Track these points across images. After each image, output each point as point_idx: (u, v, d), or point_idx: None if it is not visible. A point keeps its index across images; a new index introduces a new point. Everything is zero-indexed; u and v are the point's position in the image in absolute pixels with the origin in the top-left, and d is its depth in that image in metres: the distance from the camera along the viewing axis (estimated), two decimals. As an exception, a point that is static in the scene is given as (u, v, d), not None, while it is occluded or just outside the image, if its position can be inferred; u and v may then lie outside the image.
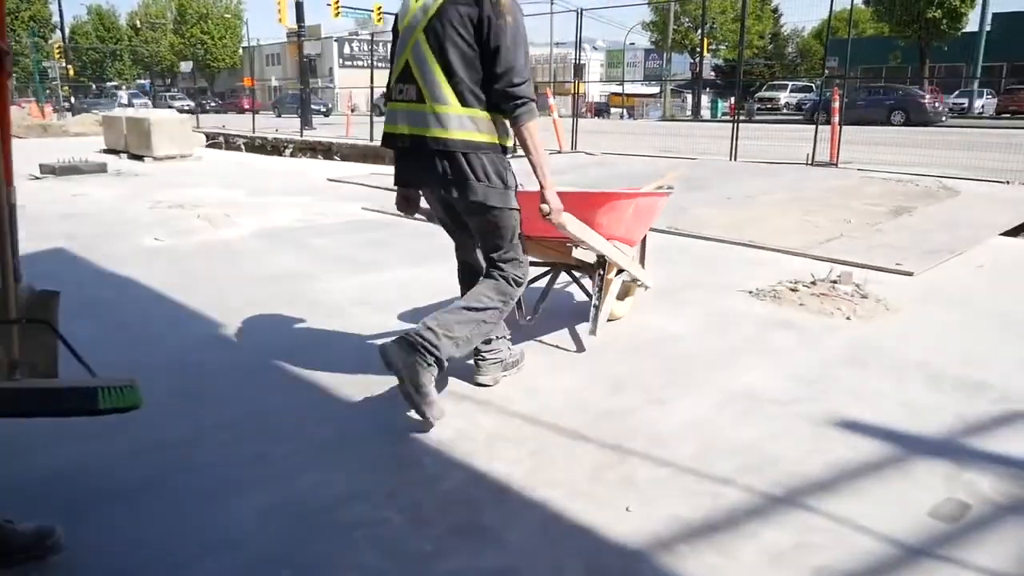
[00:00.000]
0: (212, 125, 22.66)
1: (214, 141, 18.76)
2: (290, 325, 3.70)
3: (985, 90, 33.31)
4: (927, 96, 24.26)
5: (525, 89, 2.45)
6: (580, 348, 3.42)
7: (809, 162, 11.14)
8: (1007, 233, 6.43)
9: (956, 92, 32.11)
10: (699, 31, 37.03)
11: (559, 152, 13.30)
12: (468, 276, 2.89)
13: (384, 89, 2.83)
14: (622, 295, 3.86)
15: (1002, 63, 34.17)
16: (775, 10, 45.79)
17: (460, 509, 2.07)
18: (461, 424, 2.58)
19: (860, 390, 2.91)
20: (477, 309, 2.61)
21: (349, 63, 55.17)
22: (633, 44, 52.54)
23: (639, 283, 3.83)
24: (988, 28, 32.92)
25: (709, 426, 2.58)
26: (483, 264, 2.76)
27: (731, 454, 2.37)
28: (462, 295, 2.80)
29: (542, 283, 3.83)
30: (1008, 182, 8.83)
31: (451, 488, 2.18)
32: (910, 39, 32.56)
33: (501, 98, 2.45)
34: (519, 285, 2.73)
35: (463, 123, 2.45)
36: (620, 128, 22.37)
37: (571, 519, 2.00)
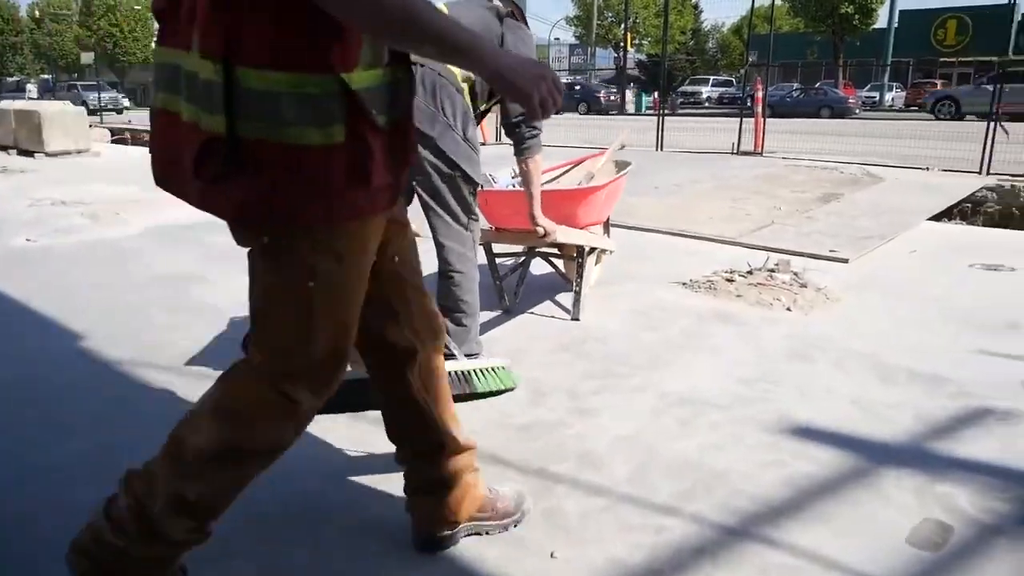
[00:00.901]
0: (121, 121, 21.37)
1: (119, 137, 17.62)
2: (166, 334, 3.19)
3: (894, 84, 34.61)
4: (851, 99, 25.09)
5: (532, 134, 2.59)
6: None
7: (734, 151, 11.09)
8: (933, 218, 6.40)
9: (868, 86, 33.23)
10: (622, 26, 37.27)
11: (484, 144, 12.90)
12: None
13: None
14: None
15: (908, 58, 35.53)
16: (696, 6, 46.52)
17: (340, 561, 1.65)
18: (354, 450, 2.16)
19: (809, 388, 2.63)
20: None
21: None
22: (558, 39, 52.68)
23: (606, 251, 3.80)
24: (896, 24, 34.21)
25: (646, 440, 2.24)
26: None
27: (673, 473, 2.03)
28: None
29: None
30: (927, 168, 8.91)
31: (332, 537, 1.76)
32: (824, 34, 33.49)
33: (510, 128, 2.54)
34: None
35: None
36: (547, 121, 22.12)
37: (485, 574, 1.62)
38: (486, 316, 3.43)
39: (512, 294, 3.54)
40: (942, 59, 33.92)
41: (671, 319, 3.40)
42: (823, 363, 2.88)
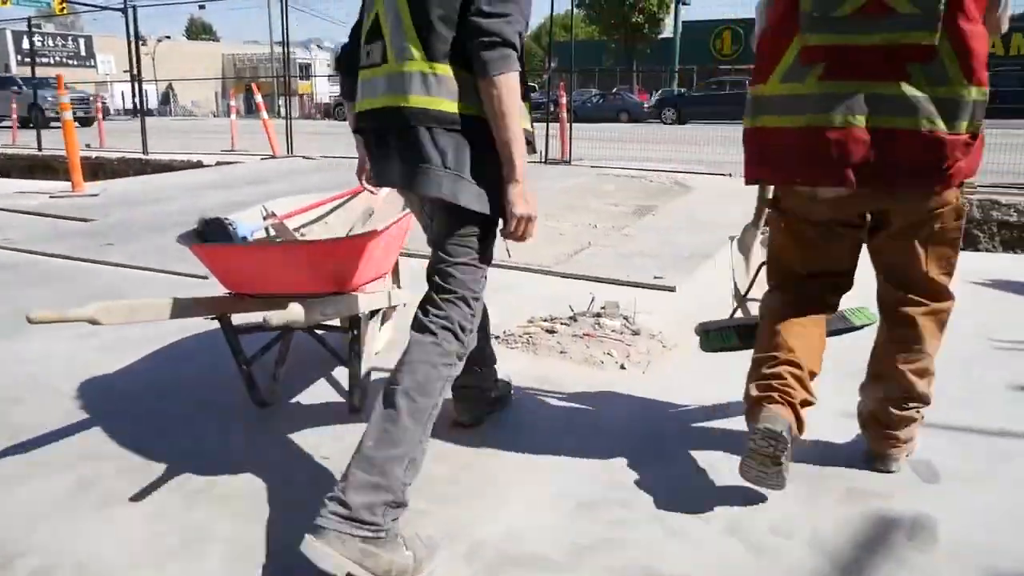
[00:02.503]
0: None
1: None
2: None
3: (682, 89, 36.81)
4: (646, 105, 26.14)
5: (500, 25, 1.65)
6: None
7: (543, 160, 10.67)
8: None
9: (659, 91, 35.03)
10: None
11: (273, 157, 11.60)
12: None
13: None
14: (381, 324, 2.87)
15: (693, 65, 37.98)
16: (495, 12, 46.89)
17: None
18: None
19: (674, 509, 1.93)
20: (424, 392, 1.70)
21: (31, 59, 46.90)
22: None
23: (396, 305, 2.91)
24: (680, 33, 36.40)
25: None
26: (421, 303, 1.87)
27: None
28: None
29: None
30: (730, 175, 8.93)
31: None
32: (618, 42, 34.91)
33: (468, 34, 1.67)
34: (464, 337, 1.82)
35: (429, 86, 1.71)
36: (342, 129, 20.91)
37: None
38: (226, 419, 2.45)
39: (271, 379, 2.59)
40: (721, 67, 36.55)
41: (483, 398, 2.62)
42: (680, 458, 2.21)
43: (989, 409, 2.53)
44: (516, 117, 1.70)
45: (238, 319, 2.42)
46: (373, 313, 2.57)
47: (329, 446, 2.26)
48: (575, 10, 36.34)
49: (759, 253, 2.59)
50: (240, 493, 2.01)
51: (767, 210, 2.24)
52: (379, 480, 1.58)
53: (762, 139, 1.95)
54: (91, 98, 21.96)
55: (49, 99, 18.44)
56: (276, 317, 1.76)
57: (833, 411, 2.51)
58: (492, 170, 1.76)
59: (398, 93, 1.74)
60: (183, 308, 2.23)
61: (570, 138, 10.81)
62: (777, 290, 2.18)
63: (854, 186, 1.80)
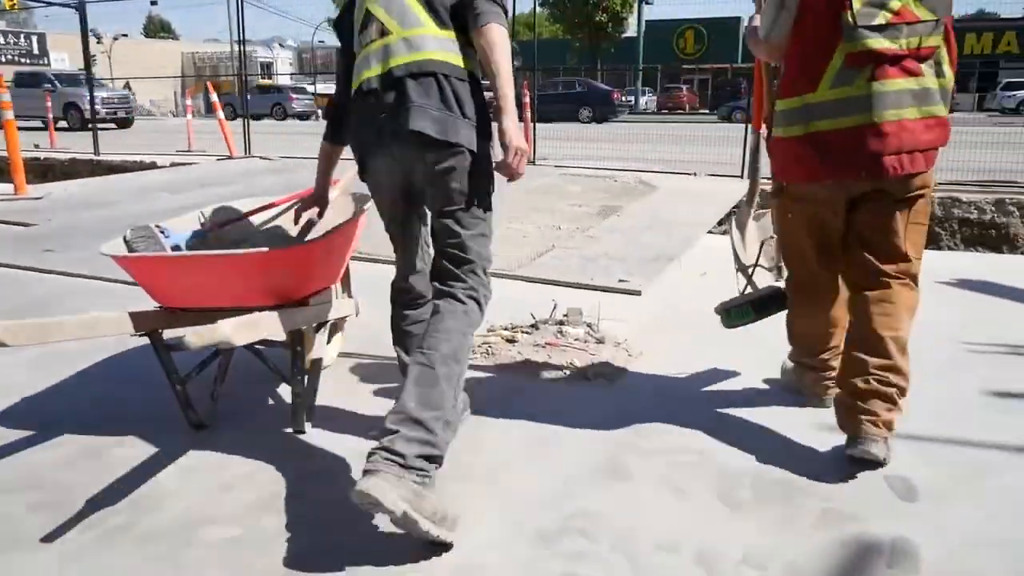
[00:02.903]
0: None
1: None
2: None
3: (647, 89, 36.94)
4: (615, 93, 26.07)
5: None
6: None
7: (507, 160, 10.52)
8: (714, 229, 6.11)
9: (624, 90, 35.11)
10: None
11: (230, 158, 11.28)
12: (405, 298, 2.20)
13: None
14: (328, 337, 2.69)
15: (656, 65, 38.14)
16: (460, 11, 46.61)
17: None
18: None
19: (635, 540, 1.79)
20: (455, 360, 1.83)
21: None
22: (323, 42, 50.36)
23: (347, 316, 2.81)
24: (643, 32, 36.54)
25: None
26: (437, 276, 2.01)
27: None
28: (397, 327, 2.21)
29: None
30: (695, 174, 8.87)
31: None
32: (582, 41, 34.90)
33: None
34: (485, 308, 2.01)
35: (443, 44, 1.93)
36: (303, 129, 20.44)
37: None
38: (152, 439, 2.26)
39: (210, 398, 2.40)
40: (684, 66, 36.77)
41: (438, 414, 2.45)
42: (644, 478, 2.08)
43: (965, 418, 2.44)
44: (508, 61, 1.87)
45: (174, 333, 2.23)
46: (320, 326, 2.40)
47: (269, 474, 2.09)
48: (539, 9, 36.28)
49: (753, 227, 2.76)
50: (164, 532, 1.82)
51: (767, 197, 2.46)
52: (425, 436, 1.70)
53: (819, 142, 2.10)
54: (132, 96, 20.70)
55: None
56: (196, 337, 1.58)
57: (806, 422, 2.40)
58: (486, 123, 1.97)
59: (413, 51, 1.90)
60: (105, 325, 2.05)
61: (534, 137, 10.67)
62: (804, 297, 2.39)
63: (900, 172, 2.05)
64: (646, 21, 36.92)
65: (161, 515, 1.89)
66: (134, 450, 2.21)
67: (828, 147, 2.08)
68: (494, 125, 1.93)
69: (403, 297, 2.23)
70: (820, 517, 1.87)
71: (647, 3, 34.48)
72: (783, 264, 2.52)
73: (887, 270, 2.15)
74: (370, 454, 1.65)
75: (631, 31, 35.85)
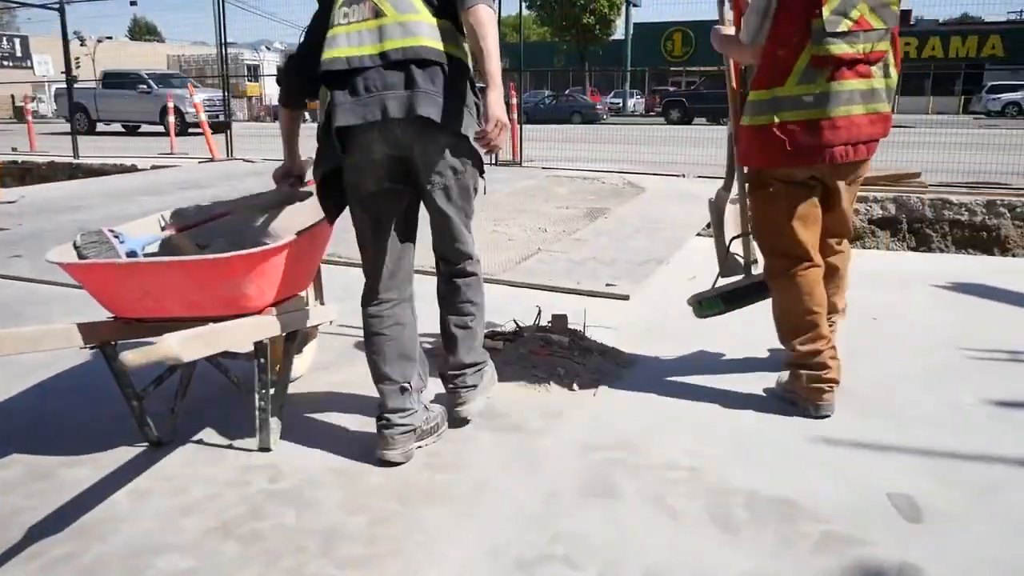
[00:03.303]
0: None
1: None
2: None
3: (635, 91, 36.94)
4: (598, 105, 26.09)
5: None
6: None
7: (493, 162, 10.40)
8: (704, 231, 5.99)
9: (612, 93, 35.10)
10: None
11: (212, 161, 11.09)
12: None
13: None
14: (299, 348, 2.51)
15: (644, 67, 38.13)
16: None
17: None
18: None
19: (622, 568, 1.66)
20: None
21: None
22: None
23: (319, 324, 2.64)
24: (631, 35, 36.52)
25: None
26: (443, 255, 2.25)
27: None
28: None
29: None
30: (683, 175, 8.77)
31: None
32: (570, 43, 34.84)
33: None
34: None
35: (437, 33, 1.99)
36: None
37: None
38: (110, 457, 2.12)
39: (170, 413, 2.25)
40: (672, 68, 36.76)
41: (414, 429, 2.32)
42: (633, 497, 1.95)
43: (967, 430, 2.33)
44: (495, 40, 1.96)
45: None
46: (290, 336, 2.26)
47: (231, 496, 1.94)
48: (526, 11, 36.21)
49: (731, 211, 2.87)
50: (113, 562, 1.67)
51: (744, 183, 2.67)
52: (479, 369, 2.31)
53: (786, 131, 2.33)
54: (219, 100, 17.92)
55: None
56: (136, 356, 1.43)
57: (801, 435, 2.28)
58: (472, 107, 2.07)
59: (409, 36, 1.95)
60: (52, 339, 1.90)
61: (521, 139, 10.55)
62: (783, 274, 2.50)
63: (847, 159, 2.36)
64: (634, 23, 36.91)
65: (111, 543, 1.74)
66: (85, 471, 2.06)
67: (794, 136, 2.32)
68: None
69: (374, 304, 2.18)
70: (820, 540, 1.75)
71: (635, 5, 34.44)
72: (759, 256, 2.65)
73: (834, 244, 2.60)
74: (455, 392, 2.28)
75: (619, 33, 35.83)
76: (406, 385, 2.13)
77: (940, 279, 4.32)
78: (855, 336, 3.25)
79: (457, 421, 2.31)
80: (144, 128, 18.70)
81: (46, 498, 1.93)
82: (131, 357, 1.43)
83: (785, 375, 2.54)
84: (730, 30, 2.58)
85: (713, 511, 1.87)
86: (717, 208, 2.87)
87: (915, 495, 1.93)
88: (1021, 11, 32.68)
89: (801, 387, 2.43)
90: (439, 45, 1.98)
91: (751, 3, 2.36)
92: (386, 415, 2.09)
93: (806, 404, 2.43)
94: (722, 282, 2.84)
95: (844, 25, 2.24)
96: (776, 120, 2.33)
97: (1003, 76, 30.20)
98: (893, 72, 2.36)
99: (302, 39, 2.17)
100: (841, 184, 2.46)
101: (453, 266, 2.25)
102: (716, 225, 2.89)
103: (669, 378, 2.77)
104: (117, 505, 1.90)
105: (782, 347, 2.57)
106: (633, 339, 3.17)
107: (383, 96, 1.95)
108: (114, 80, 18.95)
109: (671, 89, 31.40)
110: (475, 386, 2.30)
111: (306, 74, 2.08)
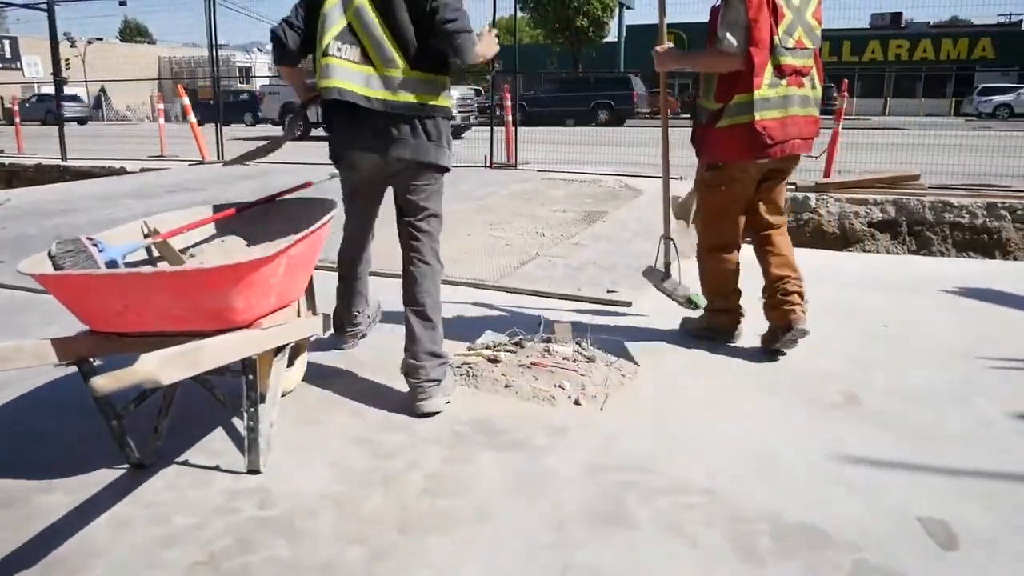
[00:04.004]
0: None
1: None
2: None
3: (628, 94, 36.77)
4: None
5: (461, 23, 2.36)
6: None
7: (488, 164, 10.27)
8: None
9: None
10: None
11: (202, 163, 10.93)
12: (351, 252, 2.86)
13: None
14: (290, 361, 2.35)
15: (637, 70, 38.05)
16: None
17: None
18: None
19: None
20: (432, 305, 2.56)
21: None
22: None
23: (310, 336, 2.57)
24: (624, 37, 36.45)
25: None
26: (408, 245, 2.60)
27: None
28: (341, 273, 2.89)
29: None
30: (681, 178, 8.66)
31: None
32: (563, 45, 34.75)
33: (440, 40, 2.36)
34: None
35: (414, 87, 2.40)
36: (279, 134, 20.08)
37: None
38: (92, 479, 1.97)
39: (152, 433, 2.12)
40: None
41: (412, 452, 2.19)
42: (648, 524, 1.82)
43: (996, 447, 2.21)
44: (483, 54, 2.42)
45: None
46: (278, 350, 2.13)
47: (218, 524, 1.81)
48: (519, 14, 36.16)
49: (688, 209, 3.44)
50: (86, 602, 1.54)
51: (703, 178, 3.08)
52: (442, 363, 2.50)
53: (765, 128, 2.76)
54: (472, 98, 17.22)
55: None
56: (109, 380, 1.30)
57: (821, 452, 2.16)
58: (447, 138, 2.52)
59: (390, 91, 2.37)
60: (25, 356, 1.76)
61: (516, 142, 10.43)
62: (719, 255, 3.07)
63: (796, 151, 2.89)
64: (627, 26, 36.85)
65: (85, 579, 1.61)
66: (60, 497, 1.92)
67: (769, 132, 2.76)
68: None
69: (351, 271, 2.84)
70: (852, 572, 1.63)
71: (627, 8, 34.37)
72: (700, 232, 3.16)
73: (776, 221, 3.06)
74: (417, 386, 2.42)
75: (612, 36, 35.74)
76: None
77: (946, 283, 4.22)
78: (867, 345, 3.15)
79: (418, 415, 2.42)
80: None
81: (17, 528, 1.79)
82: (102, 382, 1.30)
83: (695, 314, 3.24)
84: (665, 46, 3.06)
85: (735, 540, 1.74)
86: (684, 208, 3.47)
87: (948, 519, 1.81)
88: (1011, 14, 32.79)
89: (719, 324, 3.11)
90: (414, 98, 2.39)
91: (732, 20, 2.70)
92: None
93: (724, 334, 3.12)
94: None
95: (791, 42, 2.75)
96: (757, 118, 2.74)
97: (993, 78, 30.31)
98: (818, 84, 2.88)
99: (288, 31, 2.48)
100: (780, 173, 2.98)
101: (412, 218, 2.56)
102: (681, 223, 3.56)
103: (678, 390, 2.65)
104: (94, 536, 1.76)
105: (789, 354, 2.84)
106: (639, 348, 3.05)
107: (369, 136, 2.41)
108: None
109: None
110: (438, 381, 2.44)
111: (299, 49, 2.50)
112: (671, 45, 3.07)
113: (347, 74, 2.35)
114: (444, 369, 2.48)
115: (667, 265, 3.33)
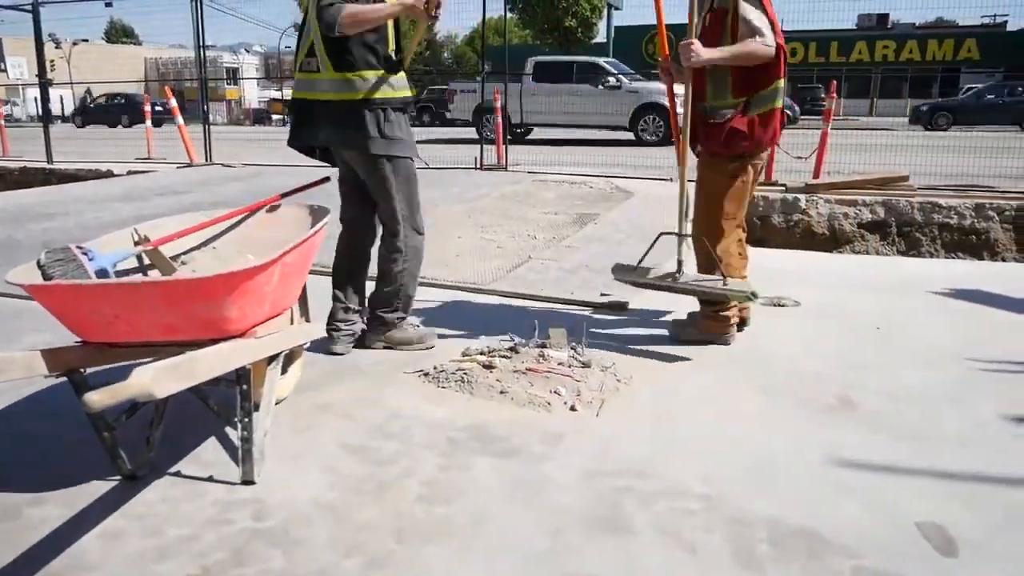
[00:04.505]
0: None
1: None
2: None
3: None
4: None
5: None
6: None
7: (478, 166, 10.26)
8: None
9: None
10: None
11: (190, 165, 10.85)
12: (347, 236, 3.09)
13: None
14: (284, 368, 2.35)
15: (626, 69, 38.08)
16: (428, 16, 46.23)
17: None
18: None
19: (640, 607, 1.53)
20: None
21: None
22: (289, 47, 49.66)
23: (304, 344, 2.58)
24: (613, 38, 36.51)
25: None
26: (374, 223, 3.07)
27: None
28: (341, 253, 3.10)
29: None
30: (672, 180, 8.67)
31: None
32: (552, 46, 34.75)
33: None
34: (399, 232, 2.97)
35: (337, 86, 2.77)
36: (268, 135, 19.95)
37: None
38: (82, 492, 1.95)
39: (145, 443, 2.09)
40: (653, 71, 36.78)
41: (407, 459, 2.17)
42: (647, 530, 1.81)
43: (991, 449, 2.22)
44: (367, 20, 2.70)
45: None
46: (272, 358, 2.11)
47: (213, 536, 1.79)
48: (508, 15, 36.18)
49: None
50: (79, 617, 1.52)
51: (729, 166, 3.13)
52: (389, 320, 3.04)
53: (782, 114, 3.04)
54: None
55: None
56: (104, 395, 1.28)
57: (818, 455, 2.16)
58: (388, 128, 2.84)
59: (326, 92, 2.79)
60: (14, 368, 1.73)
61: (506, 143, 10.42)
62: (737, 237, 3.23)
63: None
64: (615, 27, 36.91)
65: (78, 594, 1.59)
66: (51, 509, 1.89)
67: (782, 118, 3.04)
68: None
69: (351, 227, 3.07)
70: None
71: (616, 9, 34.42)
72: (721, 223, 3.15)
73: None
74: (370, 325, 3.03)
75: (600, 36, 35.78)
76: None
77: (935, 285, 4.25)
78: (859, 346, 3.16)
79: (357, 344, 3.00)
80: (585, 135, 14.53)
81: (9, 541, 1.76)
82: (96, 398, 1.28)
83: (690, 327, 3.25)
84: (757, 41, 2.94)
85: (734, 545, 1.74)
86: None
87: (946, 524, 1.82)
88: (995, 15, 33.08)
89: (718, 326, 3.13)
90: (339, 96, 2.76)
91: (761, 17, 2.87)
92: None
93: (722, 339, 3.14)
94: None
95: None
96: (778, 105, 2.98)
97: (979, 79, 30.57)
98: None
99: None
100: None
101: (384, 227, 2.99)
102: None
103: (673, 394, 2.65)
104: (86, 549, 1.74)
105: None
106: (634, 352, 3.05)
107: (322, 126, 2.84)
108: (557, 71, 14.35)
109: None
110: (382, 324, 3.01)
111: None
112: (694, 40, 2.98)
113: (310, 85, 2.87)
114: (394, 317, 3.02)
115: (679, 263, 3.23)
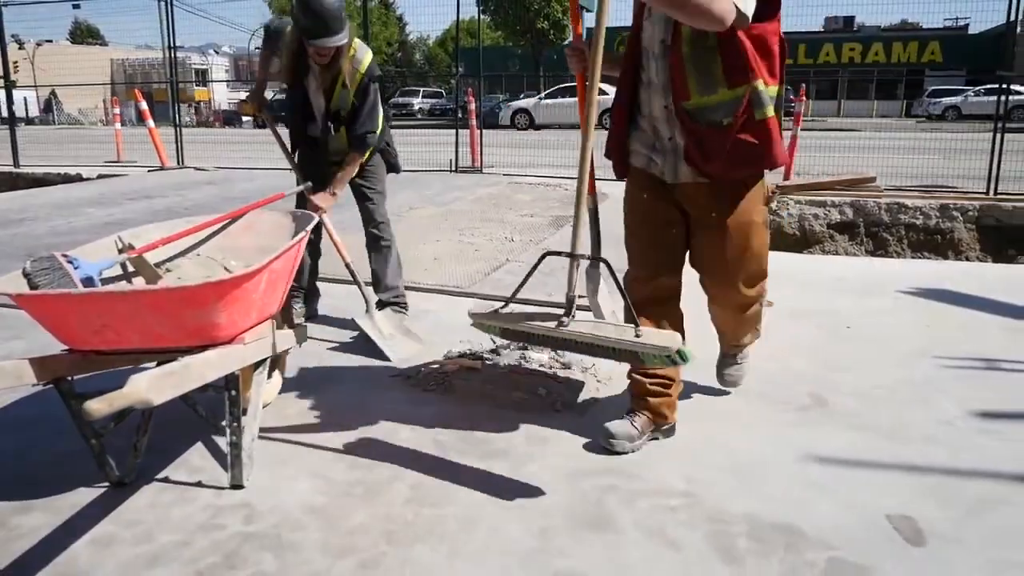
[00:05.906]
0: None
1: None
2: None
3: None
4: None
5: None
6: None
7: (453, 168, 10.29)
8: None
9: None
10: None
11: (162, 169, 10.74)
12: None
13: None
14: (268, 373, 2.34)
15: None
16: (400, 18, 46.17)
17: None
18: None
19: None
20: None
21: None
22: (259, 49, 49.13)
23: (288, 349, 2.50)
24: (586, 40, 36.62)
25: None
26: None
27: None
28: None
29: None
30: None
31: None
32: (524, 47, 34.86)
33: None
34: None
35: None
36: (244, 138, 19.77)
37: None
38: (75, 498, 1.95)
39: (132, 450, 2.10)
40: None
41: (395, 462, 2.20)
42: (631, 528, 1.87)
43: (957, 444, 2.31)
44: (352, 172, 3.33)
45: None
46: (258, 364, 2.13)
47: (203, 542, 1.80)
48: (481, 16, 36.19)
49: None
50: (74, 624, 1.53)
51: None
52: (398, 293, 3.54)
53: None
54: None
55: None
56: (102, 404, 1.30)
57: (794, 452, 2.23)
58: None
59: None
60: (2, 375, 1.74)
61: (481, 145, 10.47)
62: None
63: None
64: (587, 28, 37.07)
65: (71, 601, 1.60)
66: (40, 516, 1.90)
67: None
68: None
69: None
70: (827, 569, 1.69)
71: (587, 11, 34.63)
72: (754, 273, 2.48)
73: None
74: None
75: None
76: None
77: (902, 284, 4.37)
78: (832, 346, 3.25)
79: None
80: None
81: (-4, 552, 1.77)
82: (96, 406, 1.30)
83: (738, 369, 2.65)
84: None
85: (714, 540, 1.80)
86: None
87: (915, 517, 1.90)
88: (957, 18, 33.82)
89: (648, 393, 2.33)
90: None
91: None
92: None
93: (663, 430, 2.35)
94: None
95: None
96: (772, 114, 2.10)
97: (942, 81, 31.22)
98: None
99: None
100: None
101: (369, 226, 3.48)
102: None
103: (653, 395, 2.70)
104: (77, 556, 1.75)
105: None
106: (612, 354, 3.10)
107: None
108: None
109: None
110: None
111: None
112: None
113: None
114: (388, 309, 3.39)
115: (570, 301, 2.35)
